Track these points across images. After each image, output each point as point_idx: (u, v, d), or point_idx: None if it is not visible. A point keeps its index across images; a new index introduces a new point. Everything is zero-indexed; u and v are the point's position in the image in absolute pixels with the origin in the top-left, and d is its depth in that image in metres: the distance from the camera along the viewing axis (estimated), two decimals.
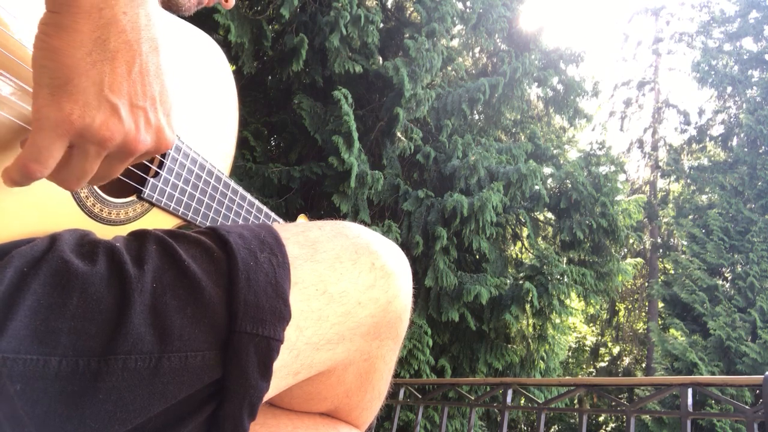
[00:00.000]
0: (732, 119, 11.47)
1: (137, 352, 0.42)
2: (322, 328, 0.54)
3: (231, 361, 0.46)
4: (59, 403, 0.39)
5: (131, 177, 0.68)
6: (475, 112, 6.10)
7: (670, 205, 12.37)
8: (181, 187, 0.74)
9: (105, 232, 0.62)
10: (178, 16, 0.79)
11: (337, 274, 0.56)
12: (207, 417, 0.46)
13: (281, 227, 0.59)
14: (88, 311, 0.41)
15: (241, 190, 0.86)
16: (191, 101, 0.76)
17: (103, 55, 0.42)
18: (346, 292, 0.56)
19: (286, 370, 0.53)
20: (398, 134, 5.23)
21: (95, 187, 0.61)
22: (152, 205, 0.71)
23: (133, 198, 0.68)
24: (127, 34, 0.43)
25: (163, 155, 0.70)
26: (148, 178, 0.69)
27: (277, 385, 0.53)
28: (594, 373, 13.69)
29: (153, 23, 0.45)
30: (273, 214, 0.97)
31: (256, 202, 0.91)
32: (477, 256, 5.74)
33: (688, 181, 11.30)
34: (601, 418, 11.48)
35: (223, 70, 0.84)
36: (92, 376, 0.40)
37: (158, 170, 0.70)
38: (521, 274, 5.77)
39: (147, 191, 0.69)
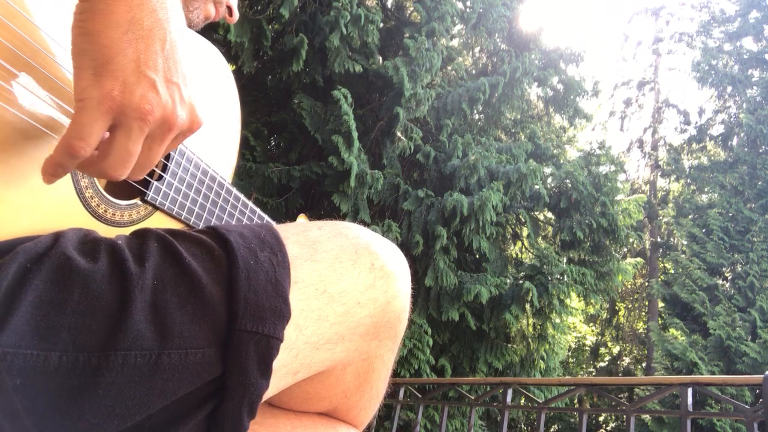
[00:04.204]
0: (732, 119, 11.45)
1: (137, 349, 0.42)
2: (321, 327, 0.54)
3: (231, 359, 0.46)
4: (58, 398, 0.39)
5: None
6: (475, 111, 6.10)
7: (670, 205, 12.37)
8: (185, 191, 0.74)
9: (108, 234, 0.62)
10: None
11: (336, 274, 0.56)
12: (207, 415, 0.47)
13: (281, 227, 0.59)
14: (89, 307, 0.41)
15: (243, 197, 0.87)
16: None
17: (138, 34, 0.44)
18: (346, 292, 0.56)
19: (286, 369, 0.53)
20: (398, 134, 5.23)
21: (100, 188, 0.62)
22: (155, 208, 0.71)
23: (137, 200, 0.68)
24: (157, 13, 0.45)
25: (167, 158, 0.71)
26: (152, 181, 0.69)
27: (276, 385, 0.53)
28: (594, 373, 13.69)
29: (176, 4, 0.48)
30: (274, 224, 0.97)
31: (258, 210, 0.92)
32: (477, 256, 5.74)
33: (688, 180, 11.29)
34: (601, 418, 11.48)
35: (224, 74, 0.85)
36: (92, 372, 0.40)
37: (162, 174, 0.70)
38: (521, 274, 5.77)
39: (151, 194, 0.69)
